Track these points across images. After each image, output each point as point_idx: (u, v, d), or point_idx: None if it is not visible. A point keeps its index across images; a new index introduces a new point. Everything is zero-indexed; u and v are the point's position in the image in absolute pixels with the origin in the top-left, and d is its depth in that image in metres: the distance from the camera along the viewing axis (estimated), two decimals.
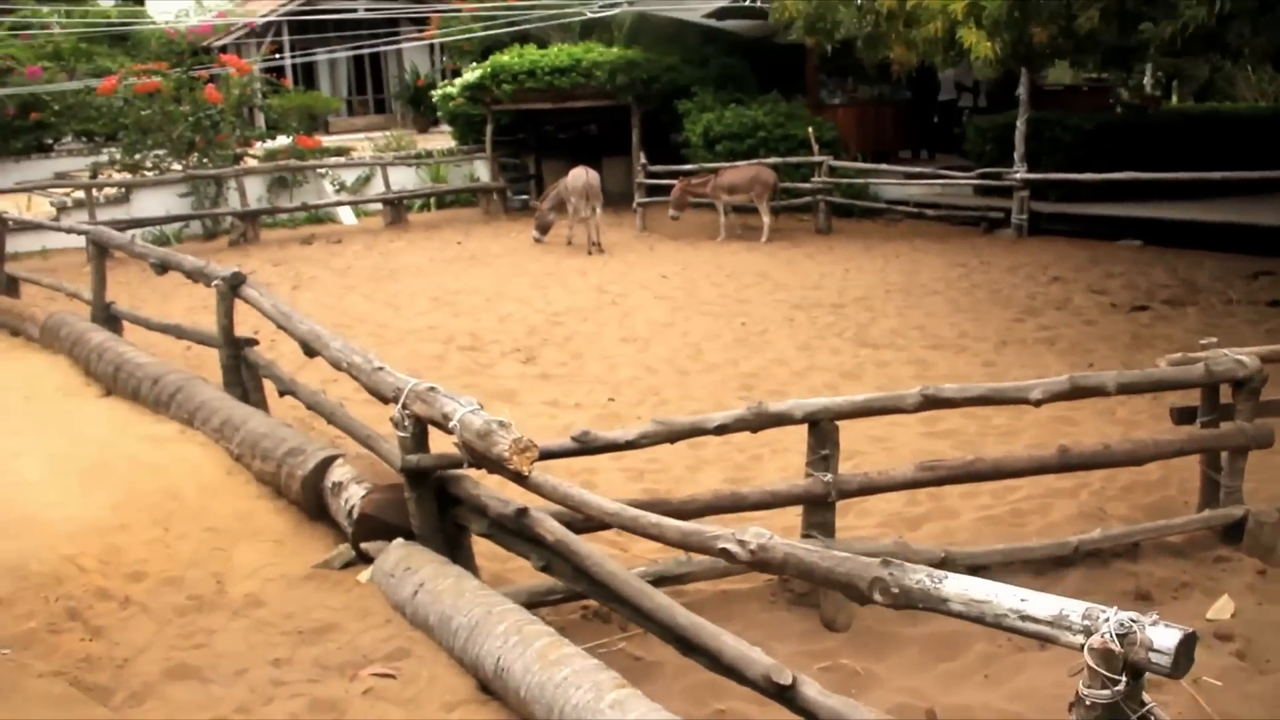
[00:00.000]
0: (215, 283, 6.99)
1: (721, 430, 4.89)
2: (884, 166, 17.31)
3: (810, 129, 17.08)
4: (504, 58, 19.90)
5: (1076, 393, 5.30)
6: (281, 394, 6.74)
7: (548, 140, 22.83)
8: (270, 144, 21.02)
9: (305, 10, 27.01)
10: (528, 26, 22.30)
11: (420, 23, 29.92)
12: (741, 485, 5.59)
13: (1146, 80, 22.85)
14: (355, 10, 29.04)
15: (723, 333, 10.60)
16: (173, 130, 18.74)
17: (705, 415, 5.04)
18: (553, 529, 4.16)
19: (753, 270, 13.86)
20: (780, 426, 5.00)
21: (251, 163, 20.01)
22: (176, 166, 19.08)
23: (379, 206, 20.01)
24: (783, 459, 6.99)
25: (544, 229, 16.70)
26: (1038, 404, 5.25)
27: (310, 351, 5.86)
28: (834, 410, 4.98)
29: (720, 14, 20.34)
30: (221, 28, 28.24)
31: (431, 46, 30.99)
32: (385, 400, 4.94)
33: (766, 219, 16.16)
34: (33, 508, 5.33)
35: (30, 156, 23.10)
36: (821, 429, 4.93)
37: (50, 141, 23.63)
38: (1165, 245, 14.71)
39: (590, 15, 20.75)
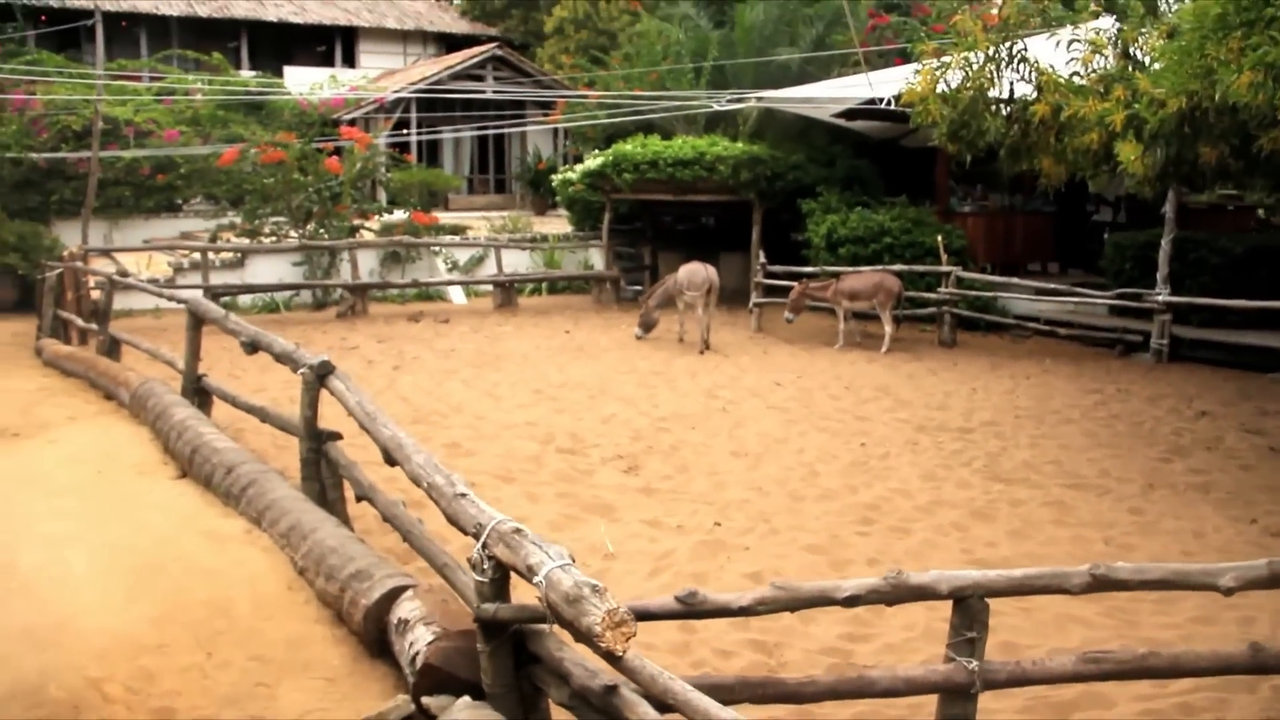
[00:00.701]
0: (301, 371, 6.51)
1: (852, 602, 4.17)
2: (1015, 280, 16.43)
3: (939, 237, 16.31)
4: (626, 146, 19.60)
5: (1277, 581, 4.44)
6: (359, 499, 6.18)
7: (664, 231, 22.44)
8: (388, 218, 20.98)
9: (433, 89, 27.24)
10: (652, 116, 22.07)
11: (546, 106, 30.03)
12: (869, 668, 4.77)
13: None
14: (483, 91, 29.24)
15: (840, 453, 9.82)
16: (293, 199, 18.77)
17: (833, 583, 4.32)
18: (646, 718, 3.45)
19: (873, 383, 13.07)
20: (923, 601, 4.23)
21: (367, 236, 19.95)
22: (294, 235, 19.10)
23: (489, 287, 19.75)
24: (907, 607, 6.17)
25: (648, 327, 16.13)
26: (1228, 593, 4.41)
27: (390, 460, 5.29)
28: (986, 587, 4.22)
29: (850, 114, 19.79)
30: (353, 102, 28.67)
31: (555, 130, 31.11)
32: (464, 532, 4.31)
33: (889, 328, 15.39)
34: (69, 611, 4.81)
35: (160, 215, 23.53)
36: (969, 607, 4.17)
37: (180, 202, 24.07)
38: None
39: (717, 108, 20.38)
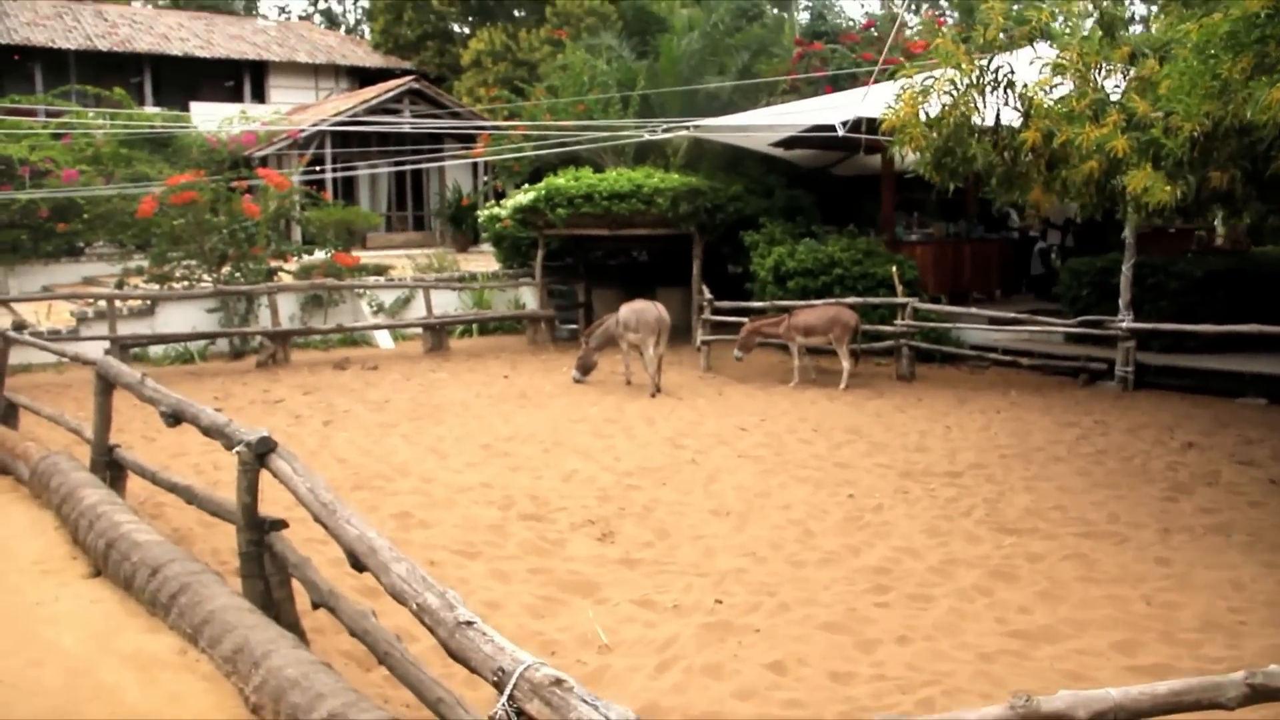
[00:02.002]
0: (238, 449, 5.48)
1: None
2: (974, 310, 15.87)
3: (894, 268, 15.68)
4: (559, 180, 18.73)
5: None
6: (316, 606, 5.17)
7: (597, 267, 21.58)
8: (306, 259, 19.80)
9: (350, 122, 26.13)
10: (581, 148, 21.27)
11: (466, 140, 29.09)
12: None
13: (1219, 223, 21.55)
14: (402, 125, 28.20)
15: (829, 507, 8.99)
16: (205, 241, 17.54)
17: (952, 716, 3.43)
18: None
19: (841, 424, 12.30)
20: None
21: (286, 279, 18.76)
22: (206, 279, 17.86)
23: (418, 330, 18.69)
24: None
25: (586, 370, 15.22)
26: None
27: (359, 565, 4.31)
28: (1130, 709, 3.39)
29: (789, 143, 19.21)
30: (265, 138, 27.42)
31: (475, 165, 30.16)
32: (474, 672, 3.36)
33: (846, 364, 14.67)
34: None
35: (60, 260, 22.12)
36: None
37: (82, 245, 22.65)
38: None
39: (650, 137, 19.64)
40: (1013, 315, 15.43)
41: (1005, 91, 8.89)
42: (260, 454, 5.42)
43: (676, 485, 9.63)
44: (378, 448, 11.08)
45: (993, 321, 15.69)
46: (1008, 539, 8.16)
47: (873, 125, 15.25)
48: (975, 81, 8.79)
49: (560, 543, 8.00)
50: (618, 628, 6.38)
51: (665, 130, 18.39)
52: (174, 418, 6.44)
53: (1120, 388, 14.44)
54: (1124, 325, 14.46)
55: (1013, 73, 8.76)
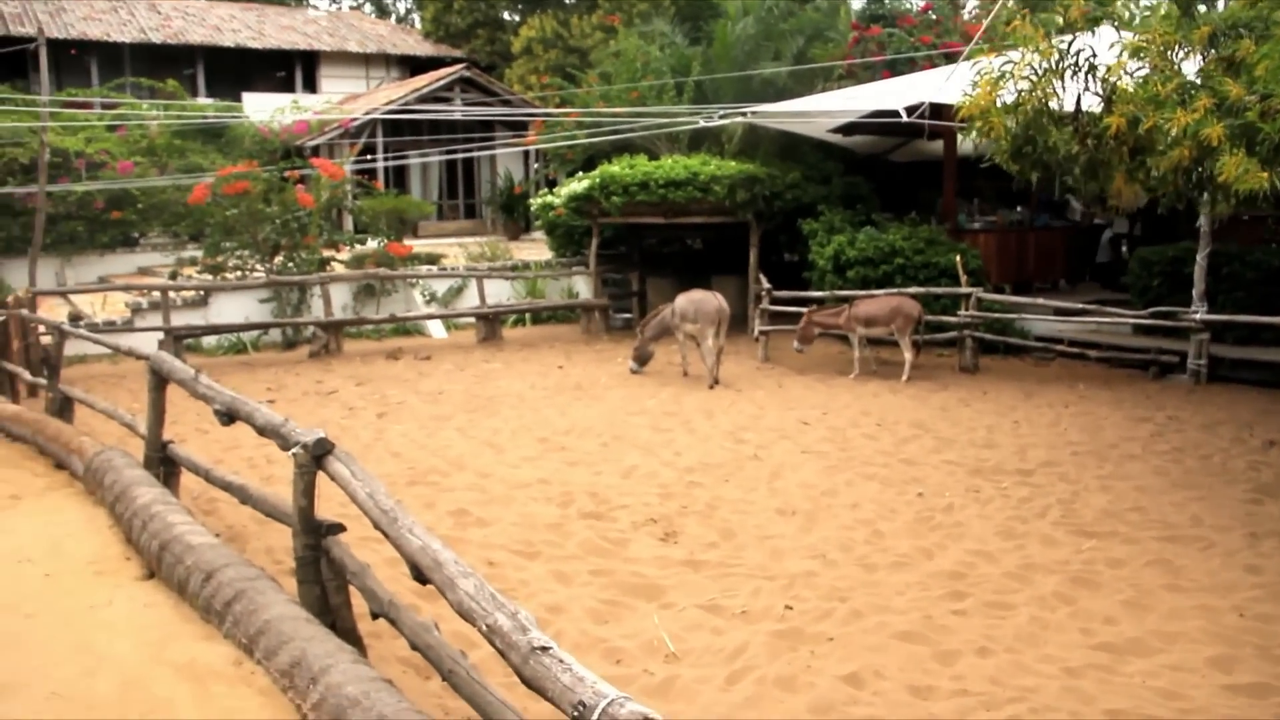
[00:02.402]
0: (294, 451, 5.29)
1: None
2: (1041, 301, 15.40)
3: (958, 257, 15.27)
4: (614, 168, 18.46)
5: None
6: (375, 616, 4.96)
7: (651, 256, 21.32)
8: (359, 249, 19.70)
9: (401, 110, 26.01)
10: (635, 135, 20.99)
11: (517, 128, 28.89)
12: None
13: None
14: (452, 112, 28.06)
15: (898, 507, 8.68)
16: (258, 231, 17.49)
17: None
18: None
19: (905, 418, 11.96)
20: None
21: (338, 268, 18.68)
22: (259, 269, 17.81)
23: (470, 320, 18.54)
24: None
25: (643, 360, 14.99)
26: None
27: (422, 578, 4.09)
28: None
29: (848, 129, 18.82)
30: (316, 127, 27.39)
31: (526, 153, 29.96)
32: (552, 703, 3.12)
33: (909, 355, 14.31)
34: None
35: (115, 251, 22.21)
36: None
37: (136, 235, 22.73)
38: None
39: (705, 124, 19.30)
40: (1080, 306, 15.00)
41: (1086, 76, 8.48)
42: (317, 455, 5.23)
43: (739, 482, 9.36)
44: (432, 441, 10.91)
45: (1059, 312, 15.23)
46: (1087, 542, 7.82)
47: (938, 111, 14.88)
48: (1055, 66, 8.39)
49: (622, 542, 7.76)
50: (684, 635, 6.14)
51: (721, 117, 18.08)
52: (228, 416, 6.27)
53: (1193, 381, 13.97)
54: (1198, 317, 13.98)
55: (1094, 56, 8.35)
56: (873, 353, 15.05)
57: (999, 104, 8.53)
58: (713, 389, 13.70)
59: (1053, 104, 8.66)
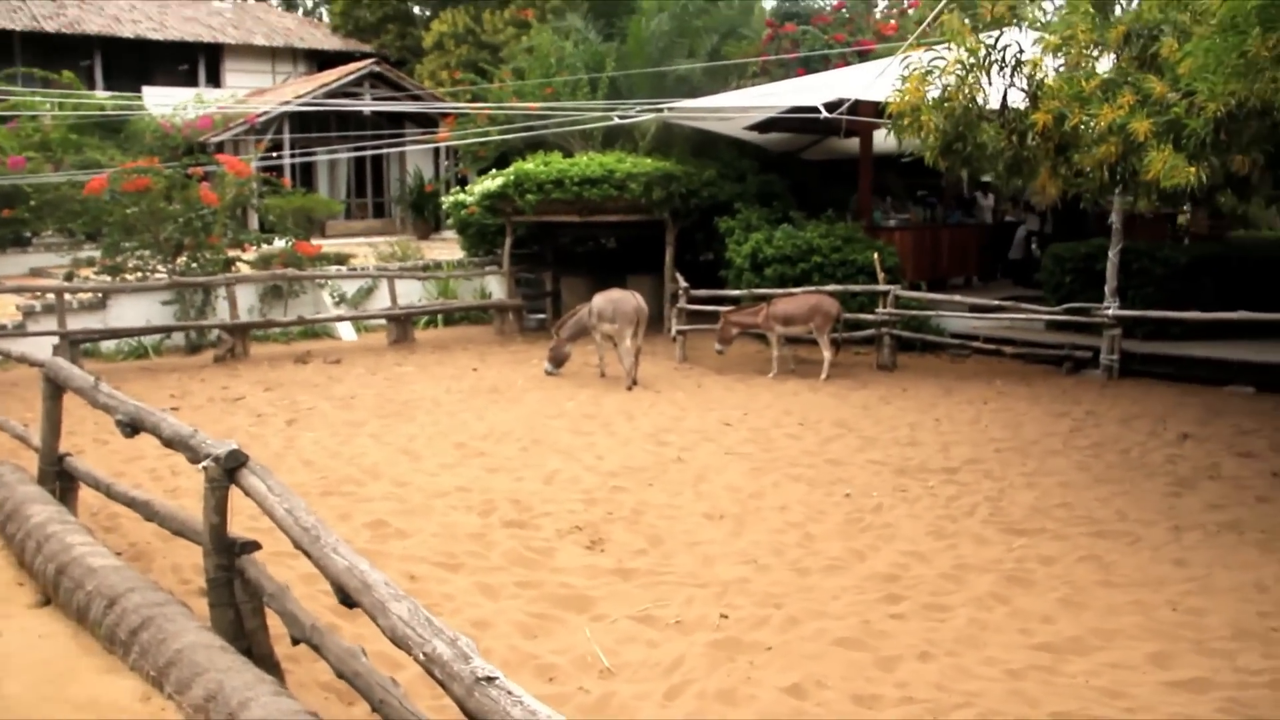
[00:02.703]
0: (204, 464, 4.96)
1: None
2: (958, 298, 15.51)
3: (876, 254, 15.28)
4: (528, 165, 18.16)
5: None
6: (296, 642, 4.66)
7: (565, 255, 21.06)
8: (266, 248, 19.12)
9: (310, 105, 25.38)
10: (547, 132, 20.72)
11: (428, 124, 28.43)
12: None
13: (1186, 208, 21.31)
14: (361, 108, 27.51)
15: (826, 508, 8.57)
16: (159, 231, 16.84)
17: None
18: None
19: (827, 417, 11.90)
20: None
21: (244, 269, 18.09)
22: (161, 270, 17.16)
23: (381, 322, 18.10)
24: None
25: (559, 362, 14.72)
26: None
27: (349, 601, 3.82)
28: None
29: (765, 126, 18.76)
30: (221, 123, 26.64)
31: (437, 150, 29.50)
32: None
33: (828, 354, 14.27)
34: None
35: (5, 250, 21.29)
36: None
37: (28, 235, 21.80)
38: (1278, 392, 12.99)
39: (620, 121, 19.10)
40: (997, 303, 15.10)
41: (1012, 73, 8.46)
42: (230, 469, 4.90)
43: (664, 486, 9.17)
44: (346, 449, 10.53)
45: (975, 309, 15.34)
46: (1017, 541, 7.78)
47: (855, 108, 14.88)
48: (981, 61, 8.35)
49: (548, 552, 7.51)
50: (618, 648, 5.92)
51: (639, 112, 17.89)
52: (132, 427, 5.90)
53: (1105, 376, 14.16)
54: (1110, 312, 14.16)
55: (1021, 52, 8.33)
56: (791, 351, 14.99)
57: (928, 100, 8.47)
58: (631, 390, 13.51)
59: (979, 99, 8.64)
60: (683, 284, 16.15)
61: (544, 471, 9.61)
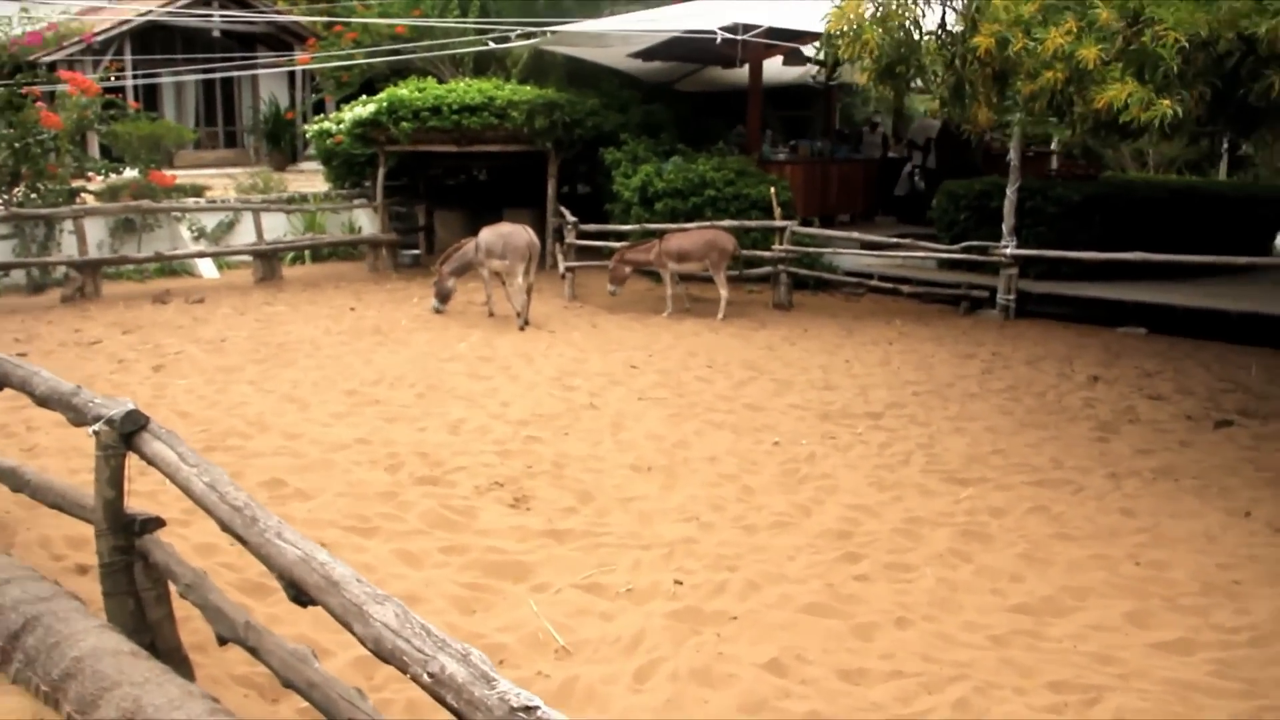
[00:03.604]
0: (95, 429, 4.14)
1: None
2: (855, 235, 15.20)
3: (772, 189, 14.82)
4: (402, 91, 17.09)
5: None
6: (223, 641, 3.92)
7: (437, 188, 20.05)
8: (114, 178, 17.59)
9: (153, 24, 23.52)
10: (417, 56, 19.59)
11: (280, 47, 26.75)
12: None
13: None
14: (210, 28, 25.72)
15: (757, 458, 8.09)
16: None
17: None
18: None
19: (734, 359, 11.43)
20: None
21: (90, 200, 16.61)
22: None
23: (243, 259, 16.89)
24: None
25: (445, 298, 13.91)
26: None
27: (304, 600, 3.12)
28: None
29: (649, 54, 18.01)
30: (53, 40, 24.48)
31: (291, 76, 27.83)
32: None
33: (724, 292, 13.78)
34: None
35: None
36: None
37: None
38: (1169, 333, 13.08)
39: (503, 46, 18.15)
40: (895, 240, 14.85)
41: None
42: (127, 433, 4.10)
43: (581, 435, 8.55)
44: (224, 398, 9.58)
45: (869, 246, 15.05)
46: (963, 491, 7.44)
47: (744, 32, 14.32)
48: None
49: (469, 512, 6.83)
50: (569, 623, 5.32)
51: (518, 37, 16.98)
52: None
53: (1002, 317, 14.06)
54: (1009, 252, 14.02)
55: None
56: (684, 290, 14.47)
57: (866, 18, 7.93)
58: (523, 330, 12.81)
59: (919, 20, 8.16)
60: (571, 218, 15.43)
61: (447, 420, 8.87)
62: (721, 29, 14.21)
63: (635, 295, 15.18)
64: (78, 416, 4.35)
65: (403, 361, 11.09)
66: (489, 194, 19.82)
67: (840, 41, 7.89)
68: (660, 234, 14.33)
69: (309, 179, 22.19)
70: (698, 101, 20.47)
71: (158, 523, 4.29)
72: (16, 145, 15.40)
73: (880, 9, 8.08)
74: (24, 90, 16.11)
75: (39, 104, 16.11)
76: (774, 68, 18.87)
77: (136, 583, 4.23)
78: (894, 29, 7.91)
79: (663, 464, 7.86)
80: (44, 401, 4.62)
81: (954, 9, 8.12)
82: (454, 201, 19.94)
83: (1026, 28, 7.61)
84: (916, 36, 7.92)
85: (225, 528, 3.54)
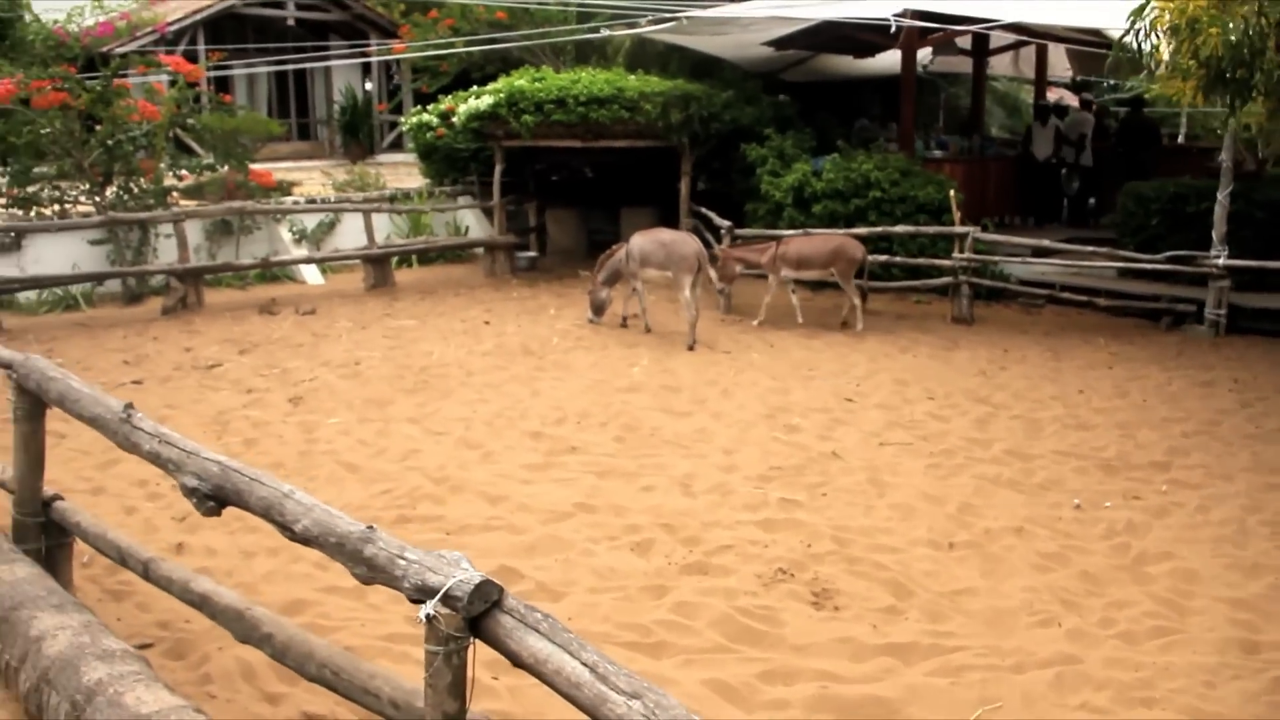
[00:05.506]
0: (430, 614, 2.69)
1: None
2: (1047, 243, 13.67)
3: (951, 191, 13.29)
4: (520, 82, 15.65)
5: None
6: None
7: (543, 184, 18.64)
8: (206, 176, 16.23)
9: (227, 13, 22.26)
10: (516, 45, 18.24)
11: (354, 35, 25.46)
12: None
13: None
14: (284, 17, 24.46)
15: (1070, 529, 6.56)
16: (84, 156, 13.96)
17: None
18: None
19: (951, 387, 9.90)
20: None
21: (185, 202, 15.29)
22: (84, 202, 14.32)
23: (347, 262, 15.56)
24: None
25: (600, 309, 12.61)
26: None
27: None
28: None
29: (785, 42, 16.50)
30: (125, 30, 23.25)
31: (365, 65, 26.52)
32: None
33: (857, 302, 12.41)
34: None
35: None
36: None
37: None
38: None
39: (634, 32, 16.74)
40: (1091, 249, 13.33)
41: None
42: (473, 617, 2.66)
43: (843, 497, 7.05)
44: (388, 443, 8.13)
45: (1059, 255, 13.50)
46: None
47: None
48: None
49: (769, 617, 5.34)
50: None
51: (649, 22, 15.56)
52: (217, 501, 3.54)
53: (1212, 333, 12.44)
54: (1220, 262, 12.39)
55: None
56: (808, 297, 13.13)
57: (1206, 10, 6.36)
58: (693, 350, 11.34)
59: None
60: (723, 222, 13.96)
61: (671, 476, 7.39)
62: (895, 16, 12.77)
63: (782, 307, 13.52)
64: (375, 576, 2.92)
65: (576, 392, 9.63)
66: (602, 192, 18.39)
67: (1160, 39, 6.30)
68: (776, 238, 12.98)
69: (394, 173, 20.89)
70: (802, 92, 18.96)
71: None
72: (110, 143, 14.10)
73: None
74: (115, 83, 14.78)
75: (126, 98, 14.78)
76: (885, 58, 17.50)
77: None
78: (1238, 29, 6.31)
79: (964, 539, 6.35)
80: (309, 541, 3.18)
81: None
82: (560, 199, 18.54)
83: None
84: (1266, 28, 6.33)
85: None
